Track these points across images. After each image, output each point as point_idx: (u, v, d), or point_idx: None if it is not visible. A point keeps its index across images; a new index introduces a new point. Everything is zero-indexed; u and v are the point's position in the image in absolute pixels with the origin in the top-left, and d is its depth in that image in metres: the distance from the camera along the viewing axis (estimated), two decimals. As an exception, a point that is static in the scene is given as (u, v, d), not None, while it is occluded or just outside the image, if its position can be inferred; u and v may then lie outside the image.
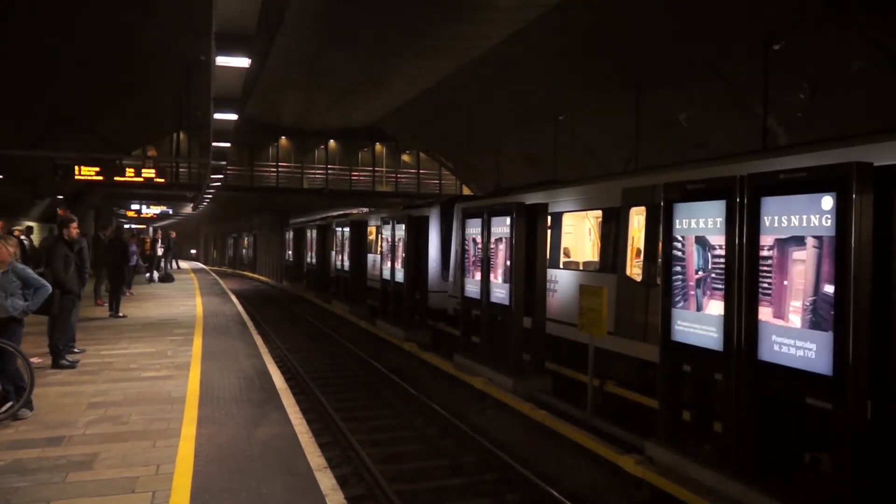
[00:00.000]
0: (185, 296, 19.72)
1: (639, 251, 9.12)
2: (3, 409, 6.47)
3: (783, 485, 5.21)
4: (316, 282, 25.91)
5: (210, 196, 31.34)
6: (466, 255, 11.40)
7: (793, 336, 4.99)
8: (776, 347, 5.14)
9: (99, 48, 17.87)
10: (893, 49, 12.18)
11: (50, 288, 6.87)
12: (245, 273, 48.94)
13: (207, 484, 4.94)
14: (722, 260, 5.69)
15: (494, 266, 10.39)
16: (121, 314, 14.10)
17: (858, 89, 13.29)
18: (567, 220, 11.24)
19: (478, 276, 10.89)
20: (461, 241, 11.73)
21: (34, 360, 7.97)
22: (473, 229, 11.10)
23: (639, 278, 8.89)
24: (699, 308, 5.94)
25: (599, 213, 10.12)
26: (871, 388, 4.70)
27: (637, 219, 9.19)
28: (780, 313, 5.11)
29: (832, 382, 4.70)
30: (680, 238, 6.20)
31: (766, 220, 5.25)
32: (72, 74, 19.10)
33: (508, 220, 9.91)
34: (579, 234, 12.05)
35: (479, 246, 10.82)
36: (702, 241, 5.95)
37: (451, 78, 21.43)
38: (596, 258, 10.41)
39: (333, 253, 22.94)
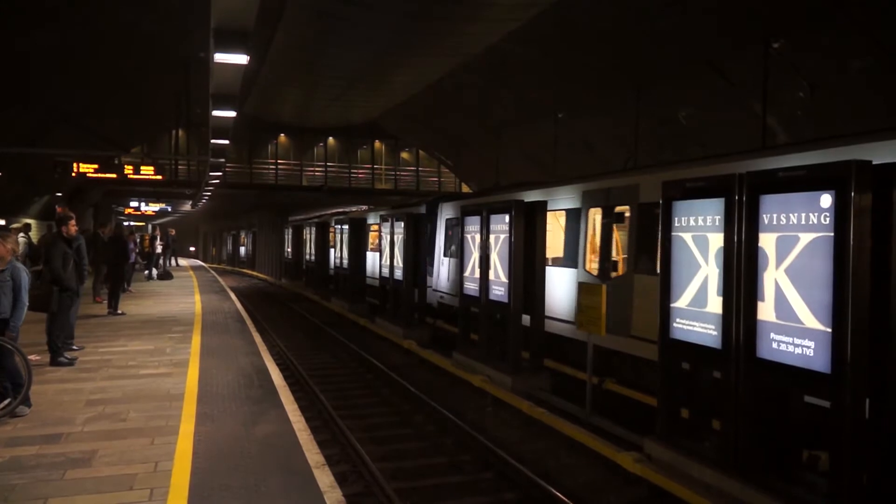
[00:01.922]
0: (183, 293, 19.70)
1: (596, 248, 9.87)
2: (1, 406, 6.47)
3: (781, 482, 5.21)
4: (315, 279, 25.91)
5: (209, 193, 31.31)
6: (463, 251, 11.43)
7: (791, 334, 5.00)
8: (775, 345, 5.14)
9: (97, 45, 17.83)
10: (893, 47, 12.17)
11: (26, 306, 6.83)
12: (244, 270, 48.94)
13: (206, 481, 4.94)
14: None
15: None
16: (119, 311, 14.09)
17: (858, 88, 13.29)
18: None
19: (469, 273, 10.94)
20: (460, 239, 11.86)
21: (32, 357, 7.96)
22: (470, 227, 11.17)
23: (596, 273, 9.66)
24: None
25: (564, 213, 10.73)
26: (869, 387, 4.71)
27: (595, 218, 9.91)
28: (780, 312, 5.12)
29: (830, 380, 4.70)
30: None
31: (764, 218, 5.25)
32: (70, 71, 19.06)
33: (507, 217, 9.94)
34: (550, 232, 12.45)
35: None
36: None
37: (450, 75, 21.41)
38: (562, 254, 10.94)
39: (332, 250, 22.95)
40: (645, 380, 9.00)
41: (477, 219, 10.84)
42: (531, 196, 11.13)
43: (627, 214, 9.15)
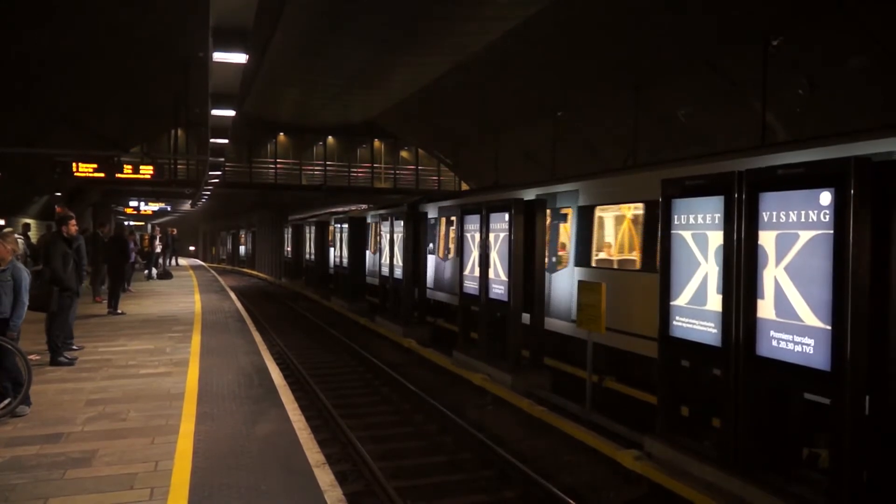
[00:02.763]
0: (183, 293, 19.71)
1: (546, 244, 10.85)
2: (2, 406, 6.47)
3: (781, 480, 5.21)
4: (314, 278, 25.91)
5: (208, 193, 31.29)
6: (463, 250, 11.47)
7: (791, 331, 5.00)
8: (774, 343, 5.14)
9: (96, 45, 17.81)
10: (891, 44, 12.18)
11: (26, 306, 6.83)
12: (244, 270, 48.93)
13: (206, 480, 4.94)
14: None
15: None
16: (119, 311, 14.09)
17: (858, 85, 13.29)
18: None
19: (469, 272, 10.97)
20: (459, 238, 11.96)
21: (32, 357, 7.97)
22: (470, 225, 11.26)
23: (546, 266, 10.65)
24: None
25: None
26: (868, 384, 4.71)
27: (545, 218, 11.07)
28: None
29: (830, 378, 4.70)
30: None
31: (764, 216, 5.25)
32: (69, 71, 19.04)
33: (507, 216, 9.97)
34: None
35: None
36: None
37: (449, 74, 21.40)
38: None
39: (332, 249, 22.95)
40: (584, 358, 9.93)
41: (476, 217, 10.87)
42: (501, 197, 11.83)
43: (570, 216, 10.54)
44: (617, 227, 10.07)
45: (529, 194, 11.15)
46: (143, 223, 49.13)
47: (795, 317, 4.97)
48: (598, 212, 9.91)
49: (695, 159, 8.78)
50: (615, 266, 9.70)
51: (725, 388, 5.63)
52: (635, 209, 9.22)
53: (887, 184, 4.73)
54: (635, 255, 9.24)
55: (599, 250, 10.02)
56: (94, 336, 11.16)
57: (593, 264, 9.91)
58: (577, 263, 10.12)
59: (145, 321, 13.18)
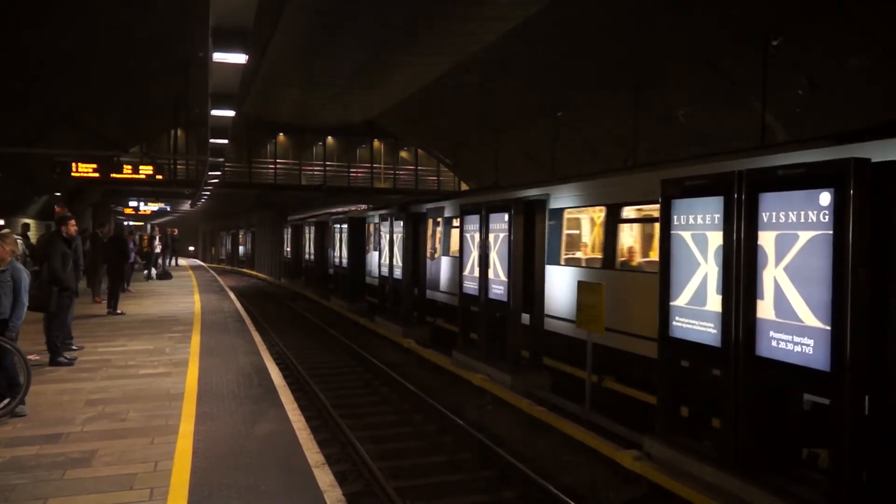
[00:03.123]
0: (183, 293, 19.71)
1: None
2: (1, 406, 6.47)
3: (781, 480, 5.21)
4: (314, 279, 25.91)
5: (208, 193, 31.28)
6: (463, 250, 11.49)
7: (791, 332, 5.00)
8: (774, 343, 5.14)
9: (96, 45, 17.80)
10: (891, 44, 12.18)
11: (26, 306, 6.83)
12: (243, 270, 48.92)
13: (206, 480, 4.94)
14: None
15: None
16: (119, 311, 14.09)
17: (857, 85, 13.29)
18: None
19: (468, 273, 10.99)
20: (459, 238, 12.02)
21: (32, 357, 7.96)
22: (470, 225, 11.27)
23: None
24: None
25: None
26: (868, 384, 4.71)
27: None
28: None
29: (830, 378, 4.70)
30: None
31: (763, 217, 5.25)
32: (70, 71, 19.04)
33: (507, 216, 9.99)
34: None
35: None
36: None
37: (449, 74, 21.40)
38: None
39: (331, 250, 22.94)
40: (552, 347, 10.73)
41: (476, 217, 10.88)
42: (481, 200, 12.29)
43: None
44: (581, 229, 10.98)
45: (514, 194, 11.41)
46: (142, 223, 49.13)
47: (795, 317, 4.97)
48: (566, 214, 10.64)
49: (686, 161, 9.08)
50: (583, 264, 10.32)
51: (725, 388, 5.63)
52: (599, 212, 9.94)
53: (886, 184, 4.74)
54: (599, 254, 9.85)
55: (568, 250, 10.76)
56: (93, 336, 11.15)
57: (562, 262, 10.58)
58: (549, 262, 10.64)
59: (145, 321, 13.18)
